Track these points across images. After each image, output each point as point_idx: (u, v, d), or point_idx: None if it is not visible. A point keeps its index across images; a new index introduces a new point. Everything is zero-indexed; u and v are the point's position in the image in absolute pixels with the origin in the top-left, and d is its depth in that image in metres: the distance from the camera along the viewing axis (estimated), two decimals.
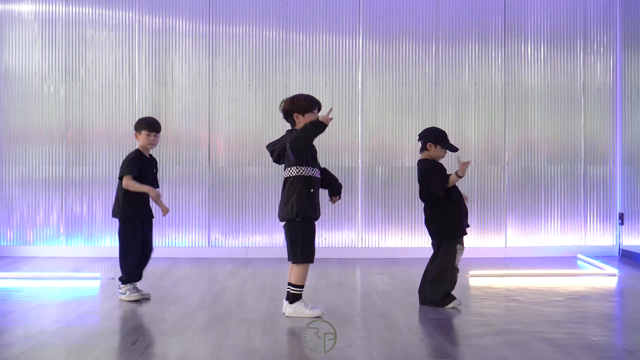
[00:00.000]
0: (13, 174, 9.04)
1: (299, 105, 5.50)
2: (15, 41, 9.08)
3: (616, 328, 5.37)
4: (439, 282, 5.87)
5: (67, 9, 9.07)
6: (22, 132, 9.04)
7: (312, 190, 5.40)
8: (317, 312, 5.45)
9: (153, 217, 6.38)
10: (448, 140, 5.95)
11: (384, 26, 9.09)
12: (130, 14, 9.07)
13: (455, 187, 5.92)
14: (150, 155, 6.39)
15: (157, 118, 8.79)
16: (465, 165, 5.75)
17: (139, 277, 6.29)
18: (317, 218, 5.50)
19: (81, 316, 5.63)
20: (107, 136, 9.04)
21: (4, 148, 9.03)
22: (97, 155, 9.02)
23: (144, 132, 6.26)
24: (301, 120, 5.47)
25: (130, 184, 6.13)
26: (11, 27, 9.08)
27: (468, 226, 5.98)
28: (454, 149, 5.94)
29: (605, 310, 5.89)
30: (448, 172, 5.92)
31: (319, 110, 5.59)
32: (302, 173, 5.41)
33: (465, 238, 5.95)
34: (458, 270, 5.91)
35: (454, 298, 5.87)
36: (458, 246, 5.86)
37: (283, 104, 5.59)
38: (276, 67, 9.07)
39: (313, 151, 5.53)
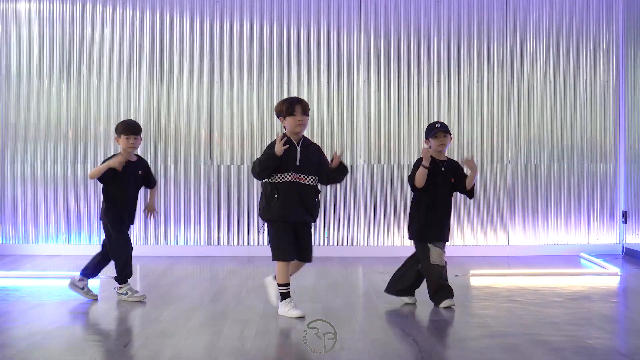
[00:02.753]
0: (15, 172, 9.05)
1: (278, 110, 5.67)
2: (17, 39, 9.07)
3: (614, 330, 5.32)
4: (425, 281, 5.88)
5: (67, 7, 9.05)
6: (24, 130, 9.04)
7: (275, 195, 5.46)
8: (297, 313, 5.42)
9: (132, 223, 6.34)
10: (431, 132, 5.86)
11: (385, 23, 9.04)
12: (131, 11, 9.05)
13: (441, 196, 5.85)
14: (139, 157, 6.37)
15: (158, 116, 8.91)
16: (425, 151, 5.72)
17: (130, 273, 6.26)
18: (283, 220, 5.48)
19: (77, 317, 5.64)
20: (109, 134, 9.01)
21: (6, 146, 9.04)
22: (98, 154, 8.99)
23: (123, 136, 6.21)
24: (285, 124, 5.63)
25: (92, 173, 6.18)
26: (12, 25, 9.08)
27: (440, 240, 5.83)
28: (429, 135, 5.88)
29: (605, 311, 5.83)
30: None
31: (304, 109, 5.57)
32: (269, 180, 5.52)
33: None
34: (442, 266, 5.81)
35: (446, 297, 5.82)
36: (431, 246, 5.78)
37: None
38: (277, 65, 9.04)
39: (284, 157, 5.48)
